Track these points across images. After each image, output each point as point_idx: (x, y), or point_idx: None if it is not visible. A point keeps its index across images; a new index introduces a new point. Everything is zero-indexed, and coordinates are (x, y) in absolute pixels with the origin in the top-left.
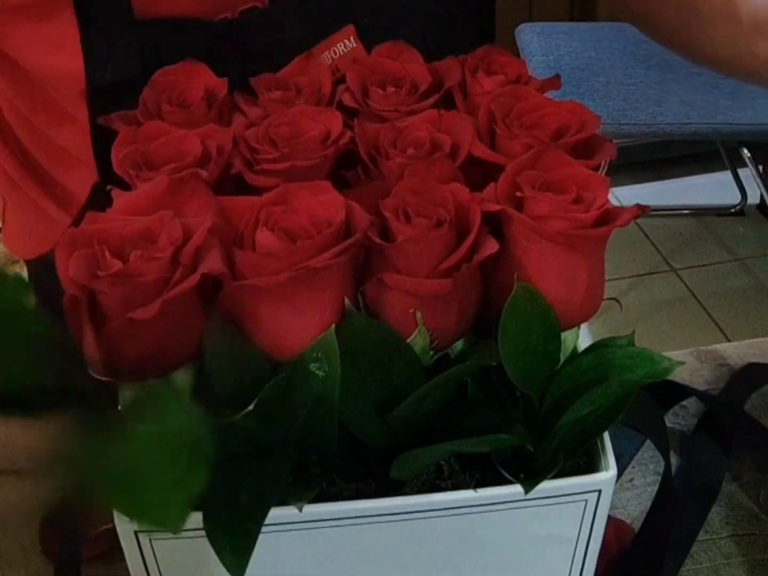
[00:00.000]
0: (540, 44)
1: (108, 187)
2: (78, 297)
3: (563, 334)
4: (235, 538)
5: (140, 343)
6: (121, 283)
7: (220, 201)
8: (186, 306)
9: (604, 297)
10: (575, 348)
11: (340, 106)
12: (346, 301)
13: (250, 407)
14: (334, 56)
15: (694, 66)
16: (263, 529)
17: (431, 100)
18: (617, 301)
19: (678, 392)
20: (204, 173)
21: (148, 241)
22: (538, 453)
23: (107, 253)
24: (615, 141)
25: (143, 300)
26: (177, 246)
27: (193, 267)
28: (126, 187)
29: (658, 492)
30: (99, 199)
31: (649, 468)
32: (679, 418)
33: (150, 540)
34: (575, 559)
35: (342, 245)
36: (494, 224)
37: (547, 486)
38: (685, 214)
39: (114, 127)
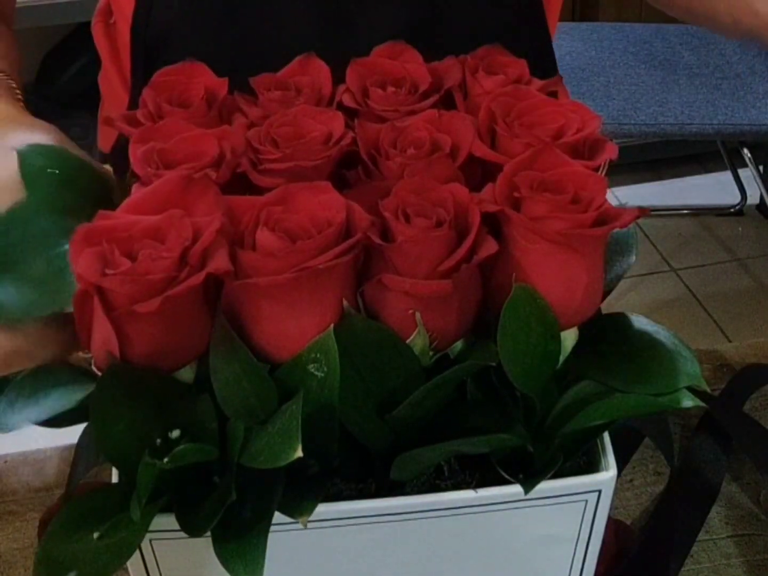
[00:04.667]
0: None
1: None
2: (88, 292)
3: (563, 334)
4: (245, 555)
5: (146, 339)
6: (129, 281)
7: (224, 200)
8: (191, 304)
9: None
10: (575, 348)
11: (340, 107)
12: (345, 302)
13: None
14: None
15: (695, 66)
16: None
17: (431, 100)
18: None
19: None
20: (214, 174)
21: (157, 240)
22: (537, 453)
23: (116, 252)
24: (615, 141)
25: (150, 297)
26: (185, 246)
27: (200, 267)
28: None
29: (662, 493)
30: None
31: (649, 468)
32: (679, 418)
33: (150, 541)
34: (575, 559)
35: (344, 245)
36: (493, 224)
37: (547, 486)
38: (685, 214)
39: (115, 128)
